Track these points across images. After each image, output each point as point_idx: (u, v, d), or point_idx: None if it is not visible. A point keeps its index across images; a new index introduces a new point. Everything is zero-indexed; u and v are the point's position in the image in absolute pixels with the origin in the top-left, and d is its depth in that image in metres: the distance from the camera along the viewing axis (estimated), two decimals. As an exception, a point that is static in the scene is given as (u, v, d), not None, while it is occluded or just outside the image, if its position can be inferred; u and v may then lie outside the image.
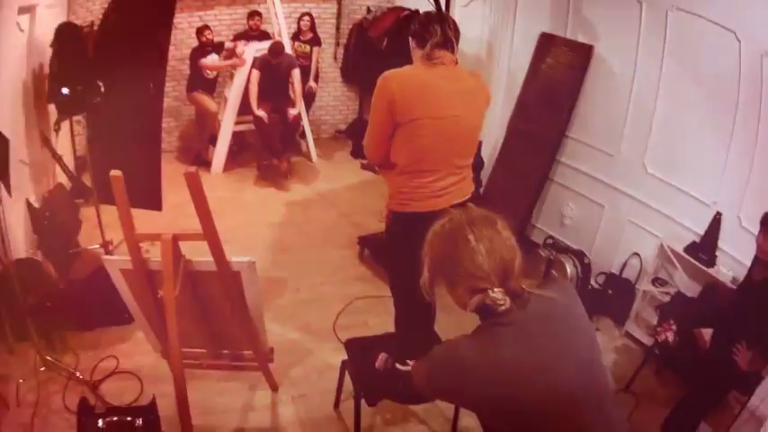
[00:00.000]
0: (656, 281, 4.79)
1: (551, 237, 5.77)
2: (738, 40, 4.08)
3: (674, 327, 4.09)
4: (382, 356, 3.40)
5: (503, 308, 1.73)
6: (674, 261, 4.62)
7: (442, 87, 3.21)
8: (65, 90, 4.86)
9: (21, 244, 4.93)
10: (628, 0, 4.86)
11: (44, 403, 3.91)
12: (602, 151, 5.30)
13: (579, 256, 5.28)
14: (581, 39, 5.35)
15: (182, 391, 3.16)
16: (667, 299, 4.63)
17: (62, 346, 4.44)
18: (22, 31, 5.33)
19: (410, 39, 3.34)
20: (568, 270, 5.13)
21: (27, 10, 5.48)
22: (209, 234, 2.99)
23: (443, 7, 5.13)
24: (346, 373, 3.82)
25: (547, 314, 1.80)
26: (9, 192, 4.12)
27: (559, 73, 5.47)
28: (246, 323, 3.42)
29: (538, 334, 1.75)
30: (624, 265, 5.10)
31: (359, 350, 3.71)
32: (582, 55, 5.30)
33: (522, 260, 1.83)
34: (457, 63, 3.32)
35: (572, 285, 2.07)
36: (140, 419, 3.40)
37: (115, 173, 2.90)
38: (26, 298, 4.08)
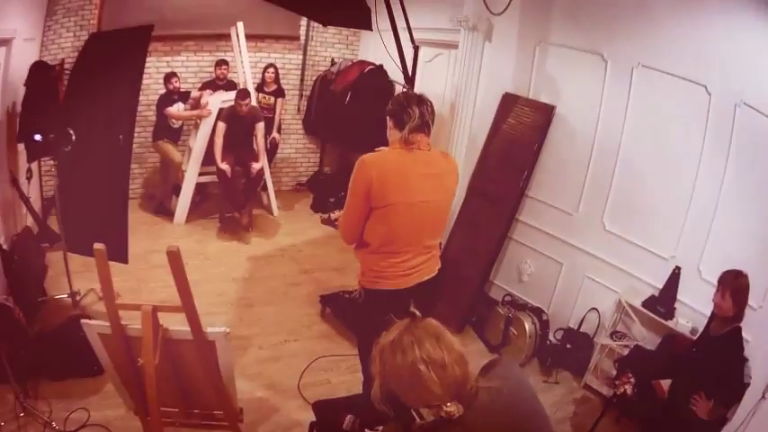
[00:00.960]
0: (615, 334, 4.90)
1: (509, 294, 5.87)
2: (709, 93, 4.27)
3: (632, 379, 4.19)
4: (349, 418, 3.44)
5: (456, 416, 1.83)
6: (632, 315, 4.76)
7: (416, 173, 3.31)
8: (37, 137, 4.93)
9: (-8, 289, 4.85)
10: (592, 59, 5.05)
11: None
12: (560, 210, 5.45)
13: (537, 312, 5.41)
14: (543, 99, 5.52)
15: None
16: (626, 351, 4.73)
17: (35, 393, 4.39)
18: None
19: (387, 117, 3.44)
20: (527, 327, 5.22)
21: (3, 43, 5.47)
22: (188, 308, 3.07)
23: (409, 66, 5.29)
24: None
25: (493, 403, 1.90)
26: None
27: (520, 133, 5.60)
28: (219, 387, 3.46)
29: (485, 424, 1.86)
30: (582, 319, 5.23)
31: (327, 412, 3.74)
32: (543, 115, 5.46)
33: (468, 366, 1.91)
34: (430, 147, 3.41)
35: (513, 362, 2.17)
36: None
37: (98, 246, 2.97)
38: (1, 343, 4.07)
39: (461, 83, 6.07)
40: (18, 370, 4.24)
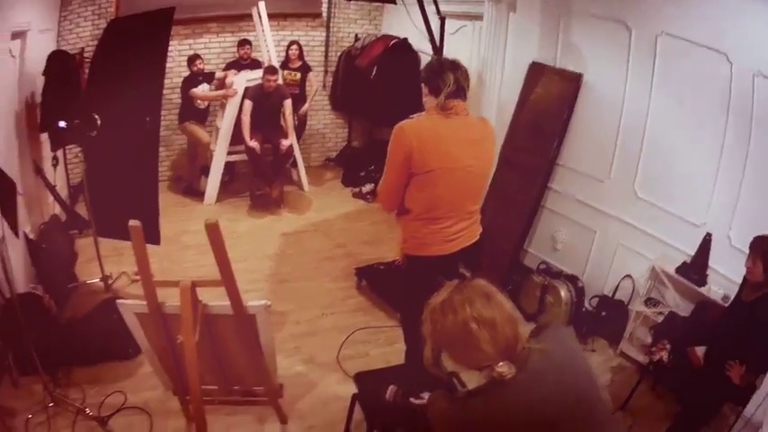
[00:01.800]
0: (649, 301, 4.88)
1: (544, 262, 5.85)
2: (730, 61, 4.19)
3: (667, 346, 4.16)
4: (392, 389, 3.46)
5: (508, 377, 1.84)
6: (666, 282, 4.73)
7: (455, 139, 3.31)
8: (62, 123, 4.92)
9: (21, 278, 4.89)
10: (616, 27, 4.96)
11: (53, 439, 3.91)
12: (592, 177, 5.40)
13: (573, 280, 5.39)
14: (570, 67, 5.45)
15: None
16: (660, 318, 4.73)
17: (67, 381, 4.41)
18: (13, 57, 5.31)
19: (422, 85, 3.40)
20: (563, 295, 5.21)
21: (19, 35, 5.45)
22: (228, 281, 3.07)
23: (436, 38, 5.27)
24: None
25: (546, 366, 1.89)
26: (16, 234, 4.13)
27: (549, 102, 5.56)
28: (259, 362, 3.49)
29: (540, 387, 1.85)
30: (617, 287, 5.20)
31: (369, 383, 3.78)
32: (571, 83, 5.40)
33: (521, 322, 1.93)
34: (467, 113, 3.41)
35: (563, 326, 2.16)
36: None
37: (134, 223, 2.96)
38: (29, 333, 4.05)
39: (488, 54, 6.03)
40: (48, 359, 4.24)
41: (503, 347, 1.84)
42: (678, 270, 4.61)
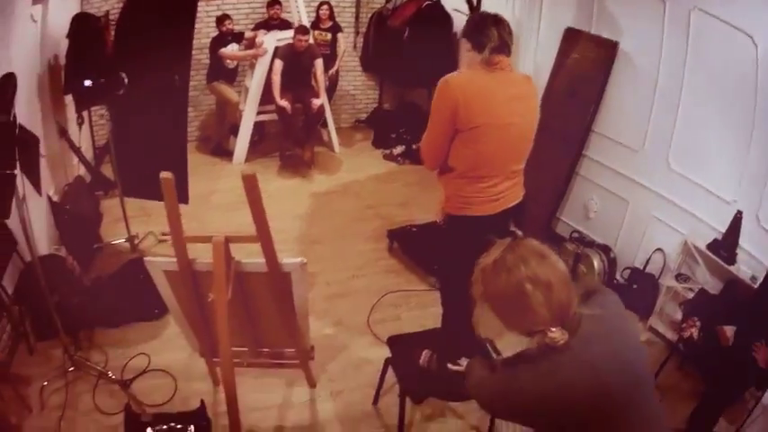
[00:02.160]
0: (680, 277, 4.82)
1: (577, 230, 5.80)
2: (755, 44, 4.10)
3: (698, 323, 4.14)
4: (426, 353, 3.44)
5: (561, 343, 1.77)
6: (697, 257, 4.67)
7: (502, 94, 3.21)
8: (87, 82, 4.81)
9: (43, 240, 4.90)
10: (651, -1, 4.88)
11: (72, 405, 3.88)
12: (626, 146, 5.32)
13: (605, 250, 5.36)
14: (605, 35, 5.34)
15: (232, 395, 3.20)
16: (690, 295, 4.67)
17: (89, 344, 4.41)
18: (35, 21, 5.25)
19: (464, 40, 3.29)
20: (596, 265, 5.21)
21: (41, 0, 5.39)
22: (264, 236, 2.99)
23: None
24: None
25: (597, 332, 1.82)
26: (39, 191, 4.09)
27: (585, 68, 5.47)
28: (292, 323, 3.45)
29: (591, 354, 1.78)
30: (648, 260, 5.16)
31: (403, 347, 3.76)
32: (607, 50, 5.29)
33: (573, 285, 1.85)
34: (512, 69, 3.32)
35: (611, 291, 2.09)
36: (192, 426, 3.39)
37: (165, 175, 2.88)
38: (51, 295, 4.00)
39: (523, 17, 5.93)
40: (70, 321, 4.21)
41: (557, 311, 1.76)
42: (709, 246, 4.54)
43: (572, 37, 5.64)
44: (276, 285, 3.24)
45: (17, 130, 3.37)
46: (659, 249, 5.08)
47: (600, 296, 1.97)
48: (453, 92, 3.15)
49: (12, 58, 4.49)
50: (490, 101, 3.18)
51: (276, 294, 3.30)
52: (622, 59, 5.26)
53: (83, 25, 5.30)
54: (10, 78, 3.44)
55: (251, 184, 2.82)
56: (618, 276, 5.37)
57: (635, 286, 5.15)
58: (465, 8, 5.21)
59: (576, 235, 5.74)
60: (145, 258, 3.30)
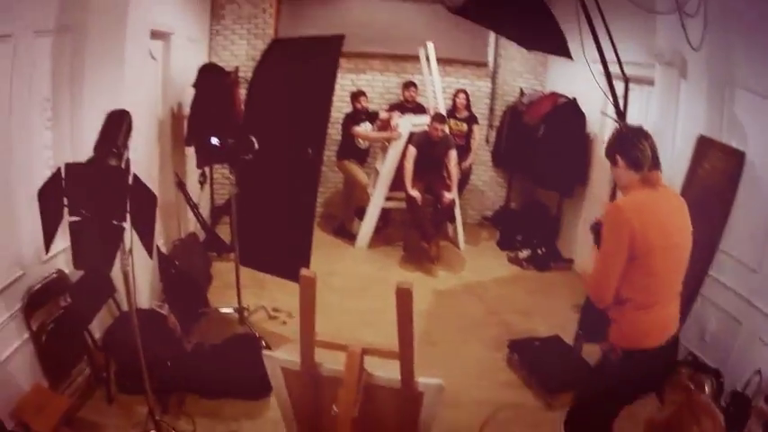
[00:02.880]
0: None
1: (692, 353, 5.32)
2: None
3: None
4: None
5: None
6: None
7: (668, 214, 3.14)
8: (214, 140, 4.76)
9: (146, 291, 4.80)
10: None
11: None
12: (744, 265, 4.88)
13: (717, 375, 4.91)
14: (734, 144, 5.01)
15: None
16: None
17: (178, 409, 4.24)
18: (154, 59, 5.21)
19: (618, 156, 3.17)
20: (707, 390, 4.84)
21: (160, 36, 5.35)
22: (406, 355, 2.84)
23: (620, 106, 5.00)
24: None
25: None
26: (150, 253, 3.73)
27: (715, 180, 5.11)
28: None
29: None
30: (747, 382, 4.58)
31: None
32: (736, 161, 4.93)
33: None
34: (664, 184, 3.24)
35: None
36: None
37: (307, 273, 2.80)
38: (144, 351, 3.80)
39: (659, 123, 5.62)
40: (164, 382, 4.11)
41: None
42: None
43: (704, 145, 5.27)
44: (405, 404, 3.05)
45: (131, 179, 3.19)
46: (758, 372, 4.56)
47: None
48: (628, 217, 3.01)
49: (126, 94, 4.36)
50: (661, 222, 3.09)
51: (402, 412, 3.11)
52: (748, 171, 4.90)
53: (212, 77, 5.26)
54: (123, 116, 3.29)
55: (405, 299, 2.69)
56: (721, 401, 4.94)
57: (732, 409, 4.73)
58: (594, 110, 4.98)
59: (690, 357, 5.26)
60: (264, 352, 3.27)
